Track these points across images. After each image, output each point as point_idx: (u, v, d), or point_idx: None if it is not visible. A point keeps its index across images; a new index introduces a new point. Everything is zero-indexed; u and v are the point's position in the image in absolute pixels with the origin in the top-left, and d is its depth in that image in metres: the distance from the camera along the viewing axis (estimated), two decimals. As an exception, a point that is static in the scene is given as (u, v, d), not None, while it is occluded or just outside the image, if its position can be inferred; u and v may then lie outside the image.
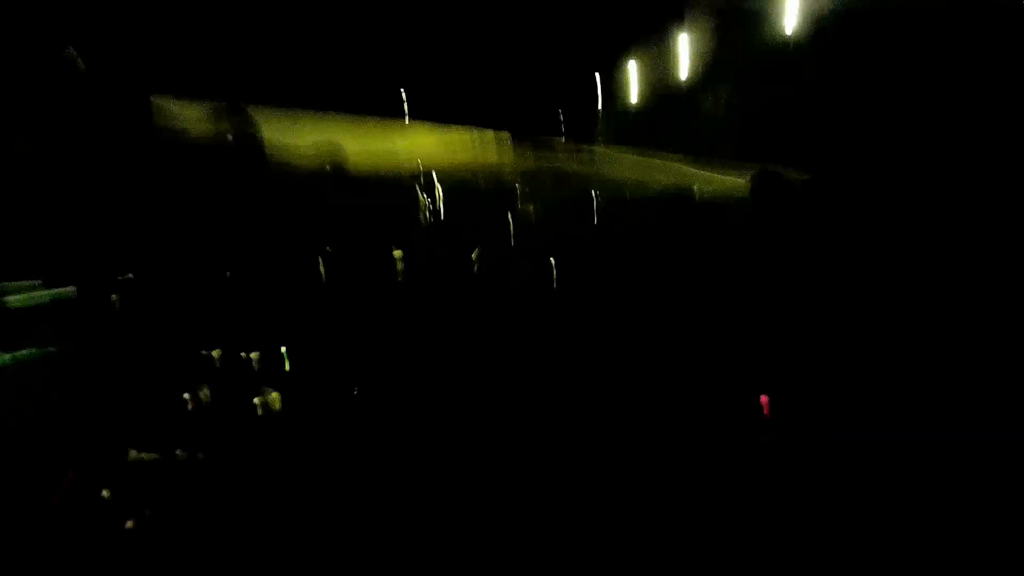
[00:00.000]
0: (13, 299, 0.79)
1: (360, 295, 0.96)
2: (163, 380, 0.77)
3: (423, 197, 1.14)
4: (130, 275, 0.87)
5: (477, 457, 0.76)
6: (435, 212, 1.15)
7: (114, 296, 0.86)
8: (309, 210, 0.97)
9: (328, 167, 1.07)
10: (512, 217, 1.21)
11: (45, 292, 0.81)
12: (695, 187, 1.18)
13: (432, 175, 1.25)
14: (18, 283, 0.81)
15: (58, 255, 0.85)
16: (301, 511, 0.68)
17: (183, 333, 0.83)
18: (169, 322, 0.84)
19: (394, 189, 1.14)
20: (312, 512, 0.68)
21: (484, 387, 0.84)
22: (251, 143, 0.95)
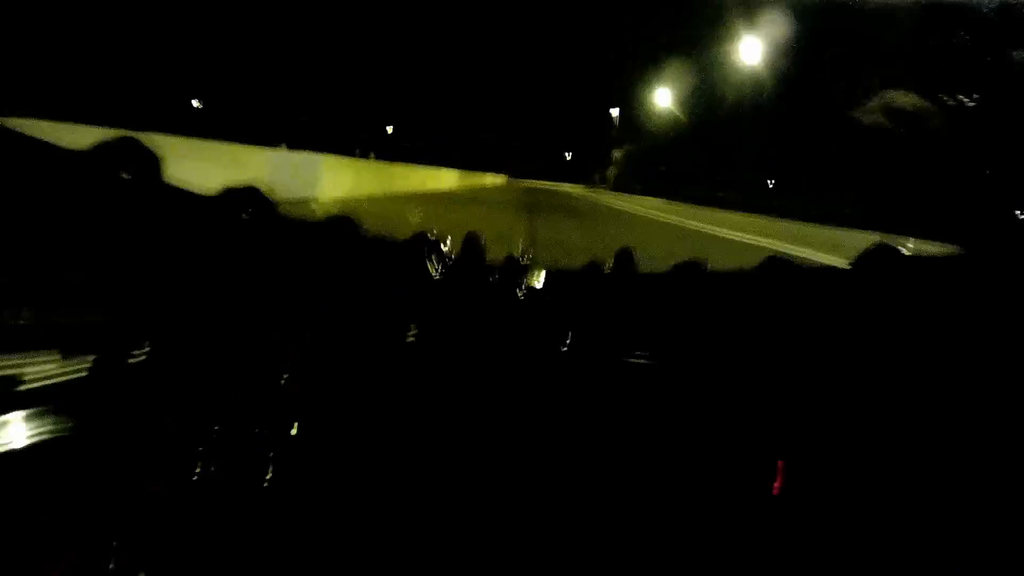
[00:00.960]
0: (30, 374, 0.75)
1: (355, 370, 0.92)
2: (185, 453, 0.72)
3: (430, 261, 1.10)
4: (147, 347, 0.83)
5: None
6: (442, 273, 1.11)
7: (131, 371, 0.81)
8: (315, 283, 0.93)
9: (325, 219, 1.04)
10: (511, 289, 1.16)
11: (62, 367, 0.77)
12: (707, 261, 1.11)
13: (440, 238, 1.21)
14: (35, 356, 0.77)
15: (79, 325, 0.81)
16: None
17: (202, 403, 0.78)
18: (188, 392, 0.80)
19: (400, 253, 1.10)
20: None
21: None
22: (259, 209, 0.91)
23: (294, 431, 0.87)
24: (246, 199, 1.08)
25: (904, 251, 0.93)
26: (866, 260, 0.96)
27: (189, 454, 0.82)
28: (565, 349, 1.12)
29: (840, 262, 1.03)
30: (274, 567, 0.74)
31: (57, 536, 0.72)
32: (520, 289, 1.29)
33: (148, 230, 0.95)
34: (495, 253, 1.41)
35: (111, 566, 0.71)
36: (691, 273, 1.29)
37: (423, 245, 1.28)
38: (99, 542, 0.73)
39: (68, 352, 0.87)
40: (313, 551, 0.74)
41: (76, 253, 0.95)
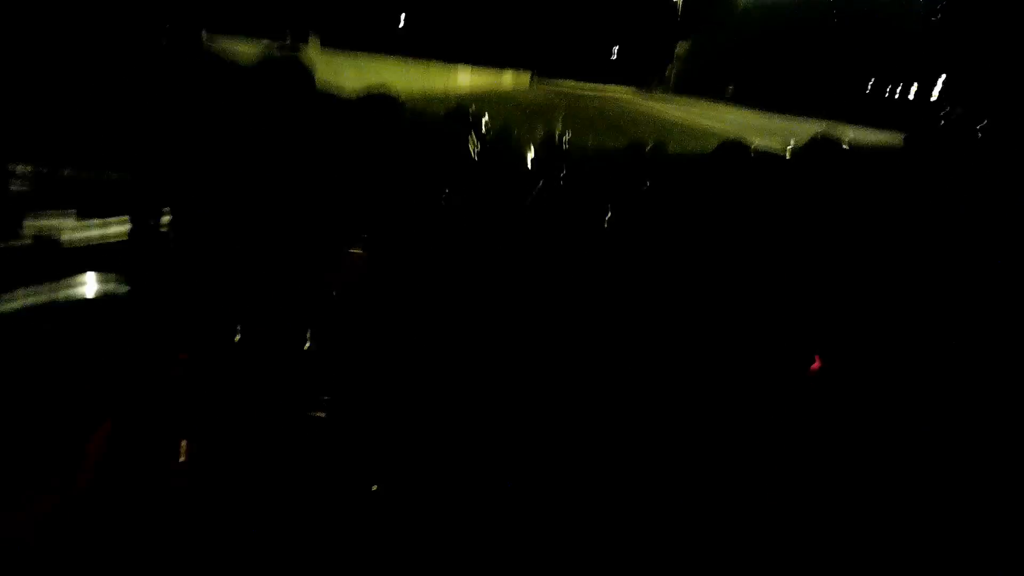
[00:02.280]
0: (68, 236, 0.80)
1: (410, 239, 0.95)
2: (218, 322, 0.76)
3: (471, 137, 1.13)
4: (181, 213, 0.87)
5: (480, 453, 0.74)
6: (482, 151, 1.14)
7: (169, 234, 0.86)
8: (360, 151, 0.97)
9: (379, 107, 1.07)
10: (553, 162, 1.16)
11: (100, 230, 0.81)
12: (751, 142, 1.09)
13: (478, 114, 1.23)
14: (74, 221, 0.81)
15: (114, 190, 0.85)
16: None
17: (234, 274, 0.82)
18: (220, 263, 0.84)
19: (440, 127, 1.13)
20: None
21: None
22: (301, 80, 0.95)
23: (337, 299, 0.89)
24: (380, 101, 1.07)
25: (843, 143, 0.92)
26: (806, 150, 0.95)
27: (230, 319, 0.84)
28: (595, 226, 1.13)
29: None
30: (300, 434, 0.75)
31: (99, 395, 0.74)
32: (558, 170, 1.29)
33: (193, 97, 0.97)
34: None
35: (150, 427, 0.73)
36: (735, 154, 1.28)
37: (464, 119, 1.27)
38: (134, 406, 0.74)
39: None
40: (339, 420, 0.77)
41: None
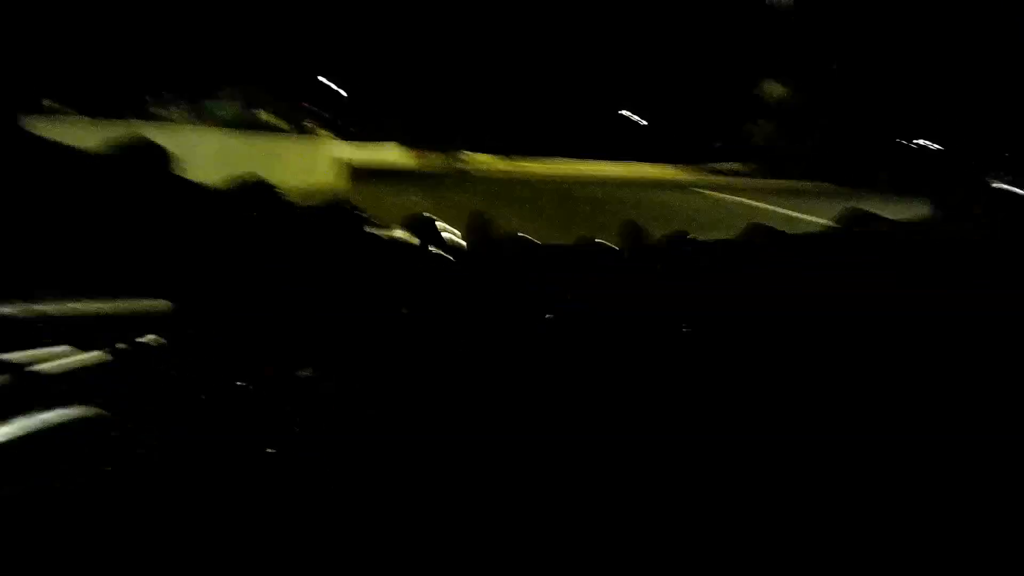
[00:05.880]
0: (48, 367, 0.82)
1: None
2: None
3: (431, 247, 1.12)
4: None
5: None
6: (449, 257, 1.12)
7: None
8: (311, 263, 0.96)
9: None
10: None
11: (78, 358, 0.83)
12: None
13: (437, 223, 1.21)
14: (49, 349, 0.83)
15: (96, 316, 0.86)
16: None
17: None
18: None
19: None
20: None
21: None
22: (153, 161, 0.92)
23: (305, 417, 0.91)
24: (256, 191, 1.13)
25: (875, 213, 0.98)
26: (842, 224, 1.00)
27: (197, 444, 0.85)
28: (567, 324, 1.15)
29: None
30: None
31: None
32: (521, 269, 1.31)
33: (160, 222, 1.01)
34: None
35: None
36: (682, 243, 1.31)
37: (422, 227, 1.31)
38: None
39: (83, 344, 0.92)
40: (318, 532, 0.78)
41: (93, 247, 1.01)
